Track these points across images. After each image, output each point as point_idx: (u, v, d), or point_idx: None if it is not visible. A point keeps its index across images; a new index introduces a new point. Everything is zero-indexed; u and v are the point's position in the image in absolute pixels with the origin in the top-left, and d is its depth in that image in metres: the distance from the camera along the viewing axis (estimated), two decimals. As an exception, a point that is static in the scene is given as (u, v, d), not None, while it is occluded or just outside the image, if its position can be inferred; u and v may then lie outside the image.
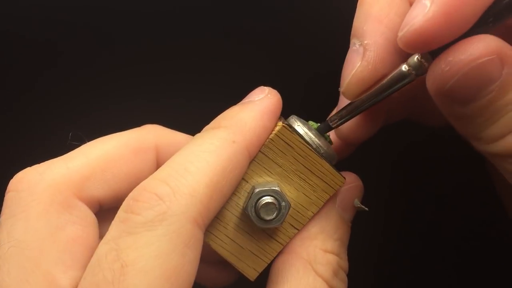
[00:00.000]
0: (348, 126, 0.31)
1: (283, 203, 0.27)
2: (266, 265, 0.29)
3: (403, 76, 0.26)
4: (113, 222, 0.24)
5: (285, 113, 0.30)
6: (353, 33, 0.29)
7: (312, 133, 0.29)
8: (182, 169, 0.25)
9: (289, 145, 0.28)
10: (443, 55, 0.24)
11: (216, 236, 0.28)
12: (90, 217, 0.27)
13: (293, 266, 0.28)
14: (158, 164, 0.29)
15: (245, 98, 0.30)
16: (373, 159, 0.36)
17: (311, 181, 0.28)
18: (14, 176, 0.27)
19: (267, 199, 0.27)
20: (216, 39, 0.38)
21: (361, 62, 0.27)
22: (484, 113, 0.24)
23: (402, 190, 0.40)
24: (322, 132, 0.30)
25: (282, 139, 0.28)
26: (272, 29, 0.38)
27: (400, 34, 0.25)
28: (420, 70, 0.25)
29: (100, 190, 0.27)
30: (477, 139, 0.25)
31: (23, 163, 0.27)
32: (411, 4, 0.27)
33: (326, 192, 0.29)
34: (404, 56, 0.27)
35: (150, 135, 0.30)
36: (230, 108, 0.29)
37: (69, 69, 0.37)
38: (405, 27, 0.24)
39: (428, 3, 0.23)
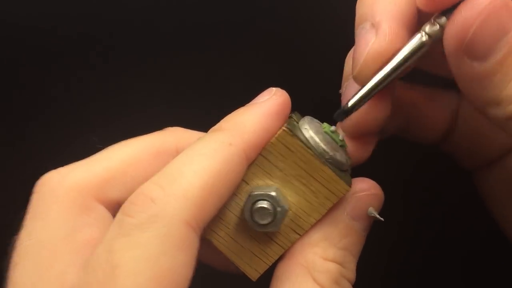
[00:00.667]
0: (357, 114, 0.29)
1: (278, 209, 0.27)
2: (268, 267, 0.29)
3: (420, 44, 0.27)
4: (111, 224, 0.25)
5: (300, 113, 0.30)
6: (360, 20, 0.28)
7: (319, 138, 0.28)
8: (178, 172, 0.25)
9: (290, 149, 0.27)
10: (460, 5, 0.24)
11: (218, 235, 0.28)
12: (108, 220, 0.27)
13: (292, 272, 0.28)
14: None
15: (252, 100, 0.30)
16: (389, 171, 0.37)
17: (313, 187, 0.28)
18: (40, 179, 0.28)
19: (262, 203, 0.27)
20: (223, 43, 0.38)
21: (377, 37, 0.27)
22: (503, 67, 0.25)
23: (410, 196, 0.40)
24: (339, 119, 0.29)
25: (283, 143, 0.28)
26: (281, 32, 0.38)
27: None
28: (436, 35, 0.26)
29: (119, 192, 0.27)
30: (497, 103, 0.25)
31: (50, 166, 0.28)
32: None
33: (329, 199, 0.28)
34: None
35: (171, 138, 0.30)
36: (235, 111, 0.29)
37: (90, 77, 0.39)
38: None
39: None
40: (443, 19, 0.26)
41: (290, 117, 0.29)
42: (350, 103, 0.28)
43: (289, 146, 0.28)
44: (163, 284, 0.23)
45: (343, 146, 0.29)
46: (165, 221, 0.24)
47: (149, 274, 0.23)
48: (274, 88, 0.29)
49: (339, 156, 0.28)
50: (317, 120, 0.30)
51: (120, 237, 0.24)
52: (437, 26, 0.26)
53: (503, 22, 0.24)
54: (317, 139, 0.28)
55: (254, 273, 0.29)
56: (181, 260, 0.24)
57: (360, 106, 0.28)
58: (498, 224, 0.36)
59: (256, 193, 0.27)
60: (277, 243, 0.29)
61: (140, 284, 0.22)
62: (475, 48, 0.25)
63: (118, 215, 0.25)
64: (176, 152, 0.29)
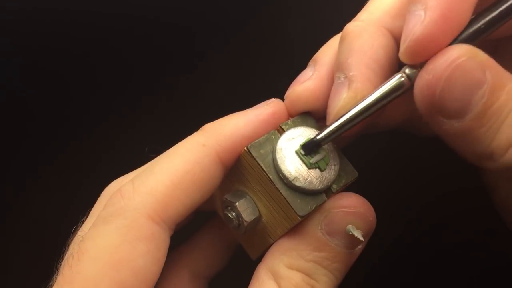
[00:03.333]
0: None
1: (240, 219, 0.28)
2: (258, 256, 0.30)
3: (398, 84, 0.25)
4: None
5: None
6: (336, 68, 0.28)
7: (286, 160, 0.27)
8: (150, 170, 0.27)
9: (252, 168, 0.28)
10: (424, 67, 0.24)
11: None
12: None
13: (259, 274, 0.28)
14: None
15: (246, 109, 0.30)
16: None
17: (274, 206, 0.27)
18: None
19: (229, 210, 0.28)
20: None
21: (348, 93, 0.27)
22: (484, 120, 0.23)
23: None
24: (307, 151, 0.27)
25: (246, 161, 0.28)
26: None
27: (402, 47, 0.25)
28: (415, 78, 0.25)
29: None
30: (488, 156, 0.24)
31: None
32: (395, 38, 0.28)
33: (286, 222, 0.27)
34: None
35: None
36: (225, 116, 0.29)
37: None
38: (406, 39, 0.24)
39: (422, 13, 0.24)
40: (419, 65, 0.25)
41: (280, 126, 0.29)
42: (318, 137, 0.27)
43: (251, 165, 0.28)
44: (120, 270, 0.25)
45: (317, 168, 0.28)
46: (127, 214, 0.26)
47: (107, 260, 0.25)
48: (273, 99, 0.30)
49: (302, 181, 0.27)
50: (312, 127, 0.29)
51: (92, 228, 0.26)
52: (419, 70, 0.25)
53: (473, 76, 0.23)
54: (280, 162, 0.27)
55: (252, 255, 0.31)
56: (140, 250, 0.25)
57: (329, 140, 0.28)
58: (503, 219, 0.34)
59: (226, 198, 0.28)
60: (260, 240, 0.30)
61: (99, 268, 0.25)
62: (447, 107, 0.23)
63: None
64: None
